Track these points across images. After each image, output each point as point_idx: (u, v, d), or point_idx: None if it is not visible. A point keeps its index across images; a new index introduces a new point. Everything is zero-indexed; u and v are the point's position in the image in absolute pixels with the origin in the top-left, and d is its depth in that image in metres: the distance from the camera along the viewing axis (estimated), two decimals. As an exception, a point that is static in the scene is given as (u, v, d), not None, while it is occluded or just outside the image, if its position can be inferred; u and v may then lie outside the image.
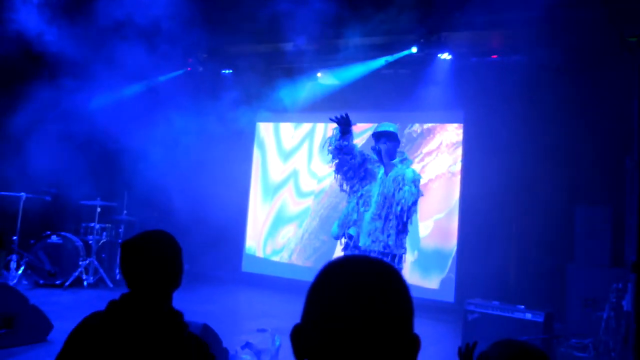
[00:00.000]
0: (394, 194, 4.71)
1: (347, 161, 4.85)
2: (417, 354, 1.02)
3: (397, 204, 4.69)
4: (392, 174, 4.79)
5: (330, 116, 4.81)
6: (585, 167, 7.21)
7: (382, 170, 4.86)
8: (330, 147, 4.88)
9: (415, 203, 4.78)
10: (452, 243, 8.66)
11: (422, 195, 4.94)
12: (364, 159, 4.93)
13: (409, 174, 4.77)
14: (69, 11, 7.40)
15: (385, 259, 4.71)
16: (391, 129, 4.94)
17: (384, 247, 4.73)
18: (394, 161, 4.86)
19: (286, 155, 10.46)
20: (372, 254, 4.66)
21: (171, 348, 1.77)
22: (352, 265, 1.05)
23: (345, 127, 4.74)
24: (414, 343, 1.01)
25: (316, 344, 0.99)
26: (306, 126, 10.33)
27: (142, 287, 1.90)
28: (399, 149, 5.02)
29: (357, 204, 4.87)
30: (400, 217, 4.72)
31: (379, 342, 0.96)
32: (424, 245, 8.81)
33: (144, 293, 1.89)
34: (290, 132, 10.49)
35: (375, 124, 5.38)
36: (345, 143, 4.77)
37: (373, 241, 4.73)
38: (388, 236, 4.72)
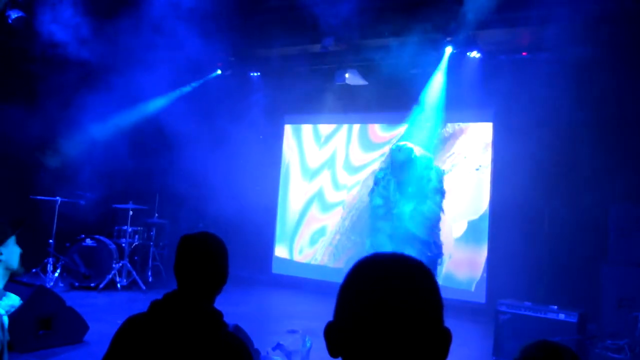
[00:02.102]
0: (421, 201, 4.76)
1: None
2: (449, 346, 1.03)
3: (426, 212, 4.74)
4: (419, 180, 4.85)
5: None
6: (619, 165, 7.08)
7: (404, 182, 4.93)
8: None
9: (440, 208, 4.86)
10: (484, 243, 8.58)
11: (445, 196, 4.99)
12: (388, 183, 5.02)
13: (433, 182, 4.85)
14: (102, 19, 7.54)
15: (430, 262, 4.78)
16: (400, 156, 4.99)
17: (428, 252, 4.80)
18: (415, 175, 4.94)
19: (315, 158, 10.48)
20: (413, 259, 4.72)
21: (212, 346, 1.82)
22: (381, 262, 1.07)
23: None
24: (446, 336, 1.03)
25: (350, 341, 1.01)
26: (335, 127, 10.33)
27: (191, 282, 1.97)
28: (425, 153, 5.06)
29: (385, 218, 4.93)
30: (428, 225, 4.80)
31: (412, 337, 0.98)
32: (457, 246, 8.74)
33: (190, 289, 1.96)
34: (319, 133, 10.51)
35: (405, 125, 5.45)
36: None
37: (413, 249, 4.79)
38: (426, 244, 4.81)
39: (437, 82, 8.63)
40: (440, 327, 1.03)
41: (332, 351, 1.05)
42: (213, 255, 2.04)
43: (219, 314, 1.94)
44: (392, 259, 1.07)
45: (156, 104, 9.84)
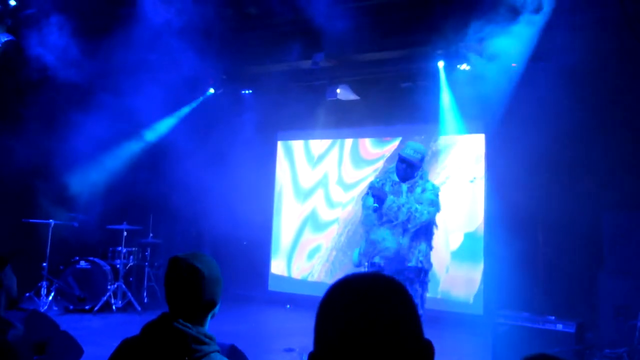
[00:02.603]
0: (417, 209, 4.75)
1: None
2: (433, 357, 1.03)
3: (420, 218, 4.73)
4: (414, 189, 4.85)
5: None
6: (612, 173, 7.10)
7: (404, 188, 4.90)
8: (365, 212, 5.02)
9: (433, 220, 4.85)
10: (480, 255, 8.57)
11: (440, 211, 4.98)
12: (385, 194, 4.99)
13: (429, 190, 4.84)
14: (90, 41, 7.55)
15: (417, 274, 4.75)
16: (414, 159, 4.96)
17: (418, 262, 4.76)
18: (412, 180, 4.92)
19: (309, 174, 10.48)
20: (406, 271, 4.71)
21: None
22: (351, 286, 1.06)
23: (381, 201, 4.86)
24: (428, 349, 1.03)
25: None
26: (328, 143, 10.35)
27: (180, 306, 1.93)
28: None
29: (380, 226, 4.90)
30: (422, 231, 4.78)
31: (392, 356, 0.97)
32: (454, 259, 8.73)
33: (181, 312, 1.92)
34: (312, 149, 10.52)
35: (398, 139, 5.45)
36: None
37: (404, 259, 4.76)
38: (419, 252, 4.78)
39: (427, 96, 8.66)
40: (420, 341, 1.03)
41: None
42: (201, 280, 1.97)
43: (210, 338, 1.90)
44: (362, 281, 1.07)
45: (153, 129, 9.87)
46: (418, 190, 4.87)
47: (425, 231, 4.87)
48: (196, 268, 1.97)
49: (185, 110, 10.19)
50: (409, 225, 4.74)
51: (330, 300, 1.06)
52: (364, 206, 5.02)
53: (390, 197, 4.82)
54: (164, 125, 10.03)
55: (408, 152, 4.99)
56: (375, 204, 4.81)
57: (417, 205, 4.76)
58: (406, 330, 1.00)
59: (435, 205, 4.86)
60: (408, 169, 4.95)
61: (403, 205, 4.75)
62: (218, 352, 1.88)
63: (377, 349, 0.97)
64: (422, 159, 5.03)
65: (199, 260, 2.00)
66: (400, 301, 1.04)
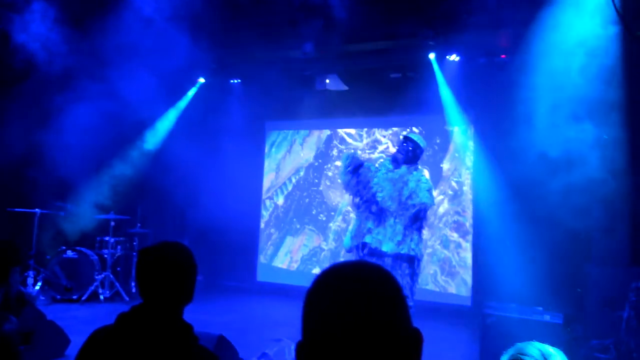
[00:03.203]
0: (411, 197, 4.73)
1: (357, 181, 4.91)
2: (421, 346, 1.02)
3: (413, 207, 4.71)
4: (410, 177, 4.82)
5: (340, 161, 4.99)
6: (601, 164, 7.12)
7: (397, 175, 4.88)
8: (344, 178, 4.99)
9: (426, 210, 4.83)
10: (467, 246, 8.61)
11: (434, 205, 4.98)
12: (373, 171, 4.96)
13: (424, 182, 4.82)
14: (78, 30, 7.46)
15: (410, 262, 4.73)
16: (420, 143, 5.00)
17: (410, 250, 4.73)
18: (409, 168, 4.89)
19: (297, 164, 10.45)
20: (399, 259, 4.68)
21: None
22: (338, 273, 1.06)
23: (355, 169, 4.84)
24: (416, 336, 1.02)
25: (320, 358, 0.99)
26: (316, 132, 10.32)
27: (154, 297, 1.90)
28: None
29: (371, 211, 4.86)
30: (415, 220, 4.75)
31: (380, 343, 0.97)
32: (443, 249, 8.76)
33: (155, 304, 1.89)
34: (301, 138, 10.49)
35: (389, 130, 5.43)
36: (353, 176, 4.87)
37: (398, 244, 4.71)
38: (411, 240, 4.74)
39: (416, 86, 8.66)
40: (408, 329, 1.02)
41: None
42: (172, 270, 1.92)
43: (188, 328, 1.87)
44: (349, 269, 1.06)
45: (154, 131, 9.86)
46: (412, 182, 4.84)
47: (417, 221, 4.85)
48: (167, 259, 1.93)
49: (183, 104, 10.14)
50: (410, 202, 4.71)
51: (317, 289, 1.06)
52: (340, 172, 5.04)
53: (378, 174, 4.83)
54: (165, 124, 10.00)
55: (415, 136, 5.03)
56: (349, 167, 4.82)
57: (418, 191, 4.76)
58: (394, 318, 1.00)
59: (431, 195, 4.86)
60: (410, 152, 4.94)
61: (403, 187, 4.74)
62: (196, 340, 1.85)
63: (365, 337, 0.96)
64: (424, 149, 5.06)
65: (170, 251, 1.96)
66: (387, 289, 1.03)
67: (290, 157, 10.53)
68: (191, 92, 10.17)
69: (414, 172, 4.90)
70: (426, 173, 5.01)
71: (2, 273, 2.65)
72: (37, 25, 7.38)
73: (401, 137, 5.27)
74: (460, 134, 8.84)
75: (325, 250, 9.79)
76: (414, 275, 4.82)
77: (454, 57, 8.25)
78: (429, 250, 8.39)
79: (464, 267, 8.57)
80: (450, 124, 8.84)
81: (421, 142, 5.02)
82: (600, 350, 6.08)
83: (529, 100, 7.34)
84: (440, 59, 8.36)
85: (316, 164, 10.21)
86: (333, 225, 9.81)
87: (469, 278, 8.49)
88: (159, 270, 1.91)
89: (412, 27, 7.72)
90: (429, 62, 8.43)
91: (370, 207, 4.87)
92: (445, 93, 8.49)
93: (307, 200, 10.19)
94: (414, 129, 9.15)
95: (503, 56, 8.02)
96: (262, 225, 10.59)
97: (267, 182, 10.70)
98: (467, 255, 8.56)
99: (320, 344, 0.99)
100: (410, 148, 4.95)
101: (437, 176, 8.70)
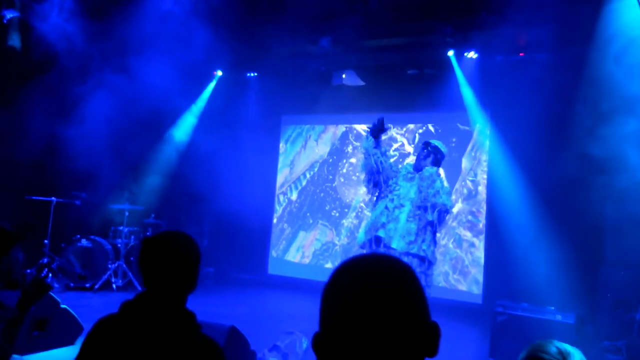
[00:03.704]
0: (430, 197, 4.69)
1: (377, 164, 4.86)
2: (438, 339, 1.03)
3: (433, 208, 4.68)
4: (427, 176, 4.79)
5: (367, 125, 4.92)
6: (615, 165, 7.06)
7: (417, 176, 4.85)
8: (363, 151, 4.95)
9: (448, 212, 4.79)
10: (480, 245, 8.58)
11: (453, 207, 4.95)
12: (394, 171, 4.94)
13: (445, 185, 4.79)
14: (97, 21, 7.51)
15: (420, 263, 4.68)
16: (442, 149, 4.99)
17: (420, 251, 4.68)
18: (430, 170, 4.86)
19: (312, 159, 10.46)
20: (407, 257, 4.64)
21: (182, 350, 1.78)
22: (358, 265, 1.07)
23: (377, 132, 4.80)
24: (434, 330, 1.03)
25: (338, 348, 1.00)
26: (332, 128, 10.32)
27: (158, 285, 1.91)
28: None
29: (387, 207, 4.83)
30: (433, 223, 4.72)
31: (399, 335, 0.98)
32: (455, 247, 8.74)
33: (158, 292, 1.90)
34: (316, 134, 10.49)
35: (405, 126, 5.38)
36: (376, 150, 4.83)
37: (409, 243, 4.67)
38: (423, 241, 4.69)
39: (433, 83, 8.62)
40: (426, 322, 1.03)
41: None
42: (174, 260, 1.93)
43: (190, 316, 1.89)
44: (368, 261, 1.07)
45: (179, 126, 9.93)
46: (434, 183, 4.78)
47: (433, 224, 4.79)
48: (170, 247, 1.95)
49: (203, 96, 10.19)
50: (429, 203, 4.67)
51: (336, 281, 1.06)
52: (363, 146, 5.01)
53: (399, 174, 4.82)
54: (188, 117, 10.07)
55: (436, 142, 5.02)
56: (372, 143, 4.80)
57: (434, 196, 4.73)
58: (412, 310, 1.01)
59: (450, 197, 4.84)
60: (431, 154, 4.91)
61: (422, 187, 4.72)
62: (199, 328, 1.87)
63: (382, 329, 0.97)
64: (445, 155, 5.03)
65: (173, 240, 1.97)
66: (406, 281, 1.04)
67: (305, 153, 10.53)
68: (210, 86, 10.20)
69: (435, 175, 4.85)
70: (442, 173, 4.98)
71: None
72: (57, 15, 7.44)
73: (420, 144, 5.24)
74: (478, 133, 8.78)
75: (338, 245, 9.80)
76: (426, 276, 4.77)
77: (472, 55, 8.20)
78: (441, 250, 8.37)
79: (476, 266, 8.55)
80: (467, 122, 8.79)
81: (442, 148, 4.99)
82: (611, 352, 6.04)
83: (550, 98, 7.29)
84: (459, 56, 8.32)
85: (331, 160, 10.21)
86: (346, 222, 9.81)
87: (480, 277, 8.46)
88: (162, 259, 1.92)
89: (431, 23, 7.69)
90: (446, 59, 8.39)
91: (386, 203, 4.84)
92: (465, 91, 8.44)
93: (321, 195, 10.19)
94: (430, 127, 9.12)
95: (522, 54, 7.97)
96: (275, 219, 10.62)
97: (281, 177, 10.72)
98: (480, 255, 8.53)
99: (337, 334, 1.00)
100: (431, 153, 4.93)
101: (453, 175, 8.66)
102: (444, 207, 4.71)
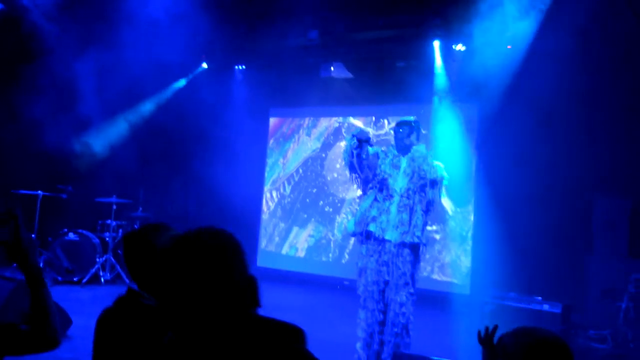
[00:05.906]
0: (428, 175, 4.66)
1: (362, 161, 4.80)
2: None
3: (433, 185, 4.65)
4: (419, 156, 4.75)
5: (352, 132, 4.86)
6: (603, 156, 7.11)
7: (404, 162, 4.81)
8: (347, 158, 4.84)
9: (440, 182, 4.74)
10: (469, 234, 8.61)
11: (445, 184, 4.88)
12: (381, 158, 4.88)
13: (429, 159, 4.76)
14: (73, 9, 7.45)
15: (412, 249, 4.66)
16: (411, 121, 4.91)
17: (415, 237, 4.64)
18: (413, 150, 4.82)
19: (300, 151, 10.44)
20: (402, 247, 4.61)
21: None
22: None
23: (361, 141, 4.71)
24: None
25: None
26: (324, 124, 10.29)
27: (141, 281, 1.92)
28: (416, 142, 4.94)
29: (376, 199, 4.80)
30: (430, 202, 4.69)
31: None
32: (442, 237, 8.78)
33: (144, 288, 1.90)
34: (304, 126, 10.47)
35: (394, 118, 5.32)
36: (360, 151, 4.75)
37: (402, 233, 4.64)
38: (415, 226, 4.65)
39: (421, 75, 8.62)
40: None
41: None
42: (155, 254, 1.88)
43: None
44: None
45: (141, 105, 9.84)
46: (421, 162, 4.74)
47: (430, 202, 4.74)
48: (150, 242, 1.90)
49: (181, 83, 10.14)
50: (421, 181, 4.64)
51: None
52: (345, 151, 4.89)
53: (386, 160, 4.77)
54: (154, 100, 9.98)
55: (404, 118, 4.95)
56: (355, 144, 4.69)
57: (422, 170, 4.69)
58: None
59: (441, 168, 4.77)
60: (414, 130, 4.84)
61: (412, 169, 4.68)
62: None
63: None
64: (416, 122, 4.93)
65: (155, 233, 1.93)
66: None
67: (297, 148, 10.51)
68: (192, 76, 10.17)
69: (425, 152, 4.83)
70: (423, 149, 4.92)
71: None
72: (42, 6, 7.37)
73: (391, 130, 5.17)
74: (464, 122, 8.80)
75: (332, 240, 9.79)
76: (416, 262, 4.75)
77: (459, 47, 8.21)
78: (427, 237, 8.39)
79: (463, 255, 8.58)
80: (452, 113, 8.80)
81: (408, 118, 4.93)
82: (597, 340, 6.11)
83: (534, 89, 7.31)
84: (446, 49, 8.32)
85: (323, 155, 10.19)
86: (339, 217, 9.81)
87: (468, 267, 8.50)
88: (143, 254, 1.90)
89: (419, 15, 7.68)
90: (434, 50, 8.39)
91: (376, 194, 4.80)
92: (441, 82, 8.45)
93: (314, 190, 10.18)
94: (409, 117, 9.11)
95: (509, 47, 7.98)
96: (266, 213, 10.61)
97: (274, 173, 10.69)
98: (468, 244, 8.57)
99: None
100: (414, 129, 4.87)
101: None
102: (442, 180, 4.70)
